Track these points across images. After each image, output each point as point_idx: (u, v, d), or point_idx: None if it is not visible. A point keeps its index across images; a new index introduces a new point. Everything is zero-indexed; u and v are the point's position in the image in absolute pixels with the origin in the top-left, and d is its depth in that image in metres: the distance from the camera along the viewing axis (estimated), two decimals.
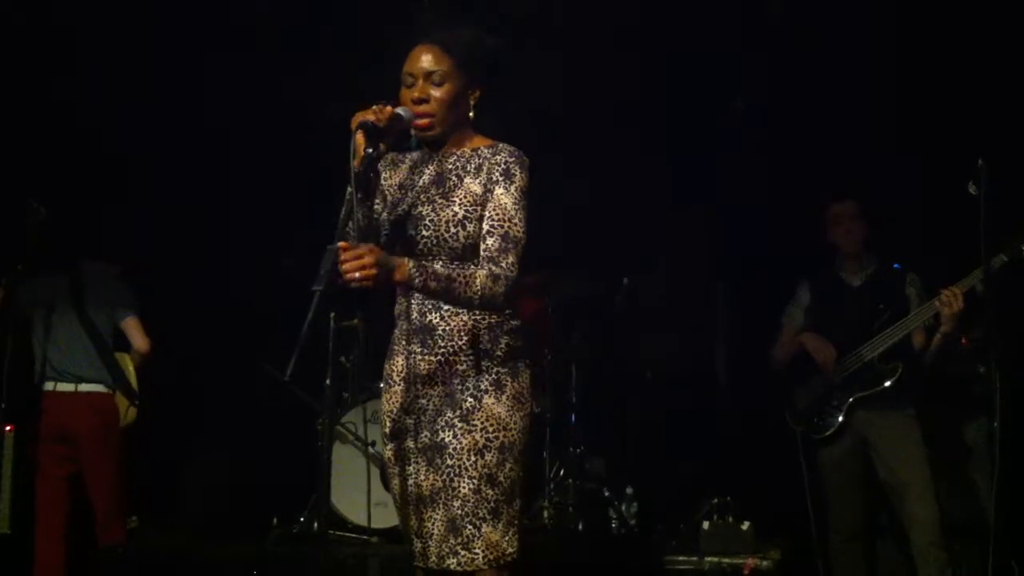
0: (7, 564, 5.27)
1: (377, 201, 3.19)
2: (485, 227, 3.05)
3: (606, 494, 5.88)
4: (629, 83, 6.48)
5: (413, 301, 3.10)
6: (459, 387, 3.06)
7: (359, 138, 2.95)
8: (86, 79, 6.24)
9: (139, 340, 5.37)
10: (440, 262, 3.07)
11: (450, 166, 3.15)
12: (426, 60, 3.09)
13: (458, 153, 3.17)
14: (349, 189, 2.97)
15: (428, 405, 3.09)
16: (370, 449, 5.36)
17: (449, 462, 3.03)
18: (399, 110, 3.05)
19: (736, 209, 6.55)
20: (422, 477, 3.08)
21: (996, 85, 5.69)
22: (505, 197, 3.06)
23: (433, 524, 3.06)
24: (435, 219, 3.07)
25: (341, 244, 2.81)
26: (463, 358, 3.07)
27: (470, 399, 3.05)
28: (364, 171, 2.96)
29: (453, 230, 3.05)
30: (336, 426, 5.49)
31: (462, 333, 3.07)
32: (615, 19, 6.23)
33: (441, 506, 3.05)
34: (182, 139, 6.49)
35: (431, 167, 3.18)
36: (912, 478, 4.66)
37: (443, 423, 3.06)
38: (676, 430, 6.39)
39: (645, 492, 5.93)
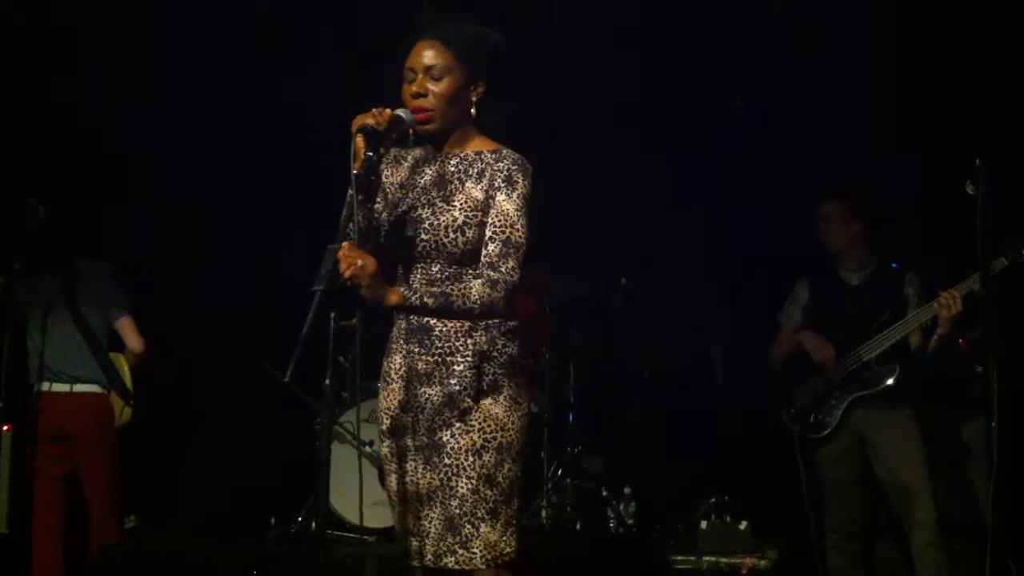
0: (5, 564, 5.27)
1: (379, 200, 3.19)
2: (487, 233, 3.05)
3: (604, 494, 5.88)
4: (629, 83, 6.48)
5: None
6: (457, 387, 3.06)
7: (359, 141, 2.96)
8: (86, 79, 6.24)
9: (133, 340, 5.37)
10: (438, 265, 3.07)
11: (452, 168, 3.14)
12: (426, 55, 3.09)
13: (461, 155, 3.16)
14: (350, 192, 2.97)
15: (426, 404, 3.09)
16: (367, 449, 5.37)
17: (447, 461, 3.04)
18: (399, 112, 3.06)
19: (736, 209, 6.54)
20: (419, 475, 3.08)
21: (996, 85, 5.68)
22: (507, 203, 3.05)
23: (430, 523, 3.07)
24: (434, 223, 3.07)
25: (343, 244, 2.83)
26: (460, 359, 3.07)
27: (468, 399, 3.06)
28: (364, 174, 2.96)
29: (452, 235, 3.05)
30: (335, 426, 5.50)
31: (459, 334, 3.08)
32: (615, 19, 6.24)
33: (438, 505, 3.05)
34: (182, 139, 6.49)
35: (433, 167, 3.18)
36: (910, 478, 4.66)
37: (441, 422, 3.07)
38: (674, 430, 6.39)
39: (643, 492, 5.93)
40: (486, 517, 3.01)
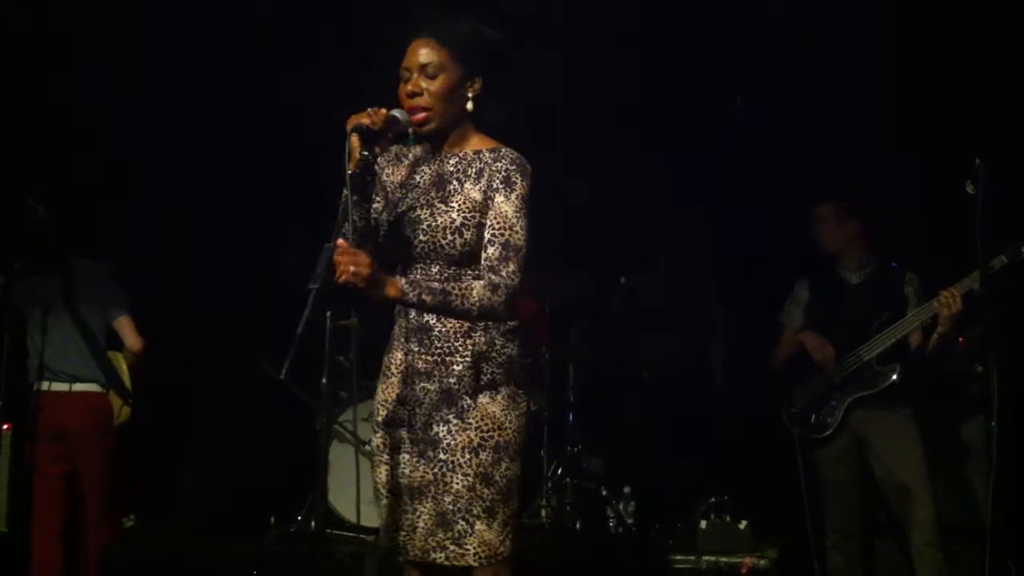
0: (4, 563, 5.27)
1: (377, 198, 3.19)
2: (486, 236, 3.04)
3: (604, 493, 5.89)
4: (629, 83, 6.48)
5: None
6: (455, 385, 3.07)
7: (354, 141, 2.95)
8: (86, 79, 6.24)
9: (132, 339, 5.37)
10: (436, 267, 3.07)
11: (451, 168, 3.14)
12: (421, 54, 3.09)
13: (460, 155, 3.15)
14: (345, 192, 2.97)
15: (424, 398, 3.09)
16: (366, 448, 5.37)
17: (442, 456, 3.04)
18: (395, 112, 3.05)
19: (736, 209, 6.54)
20: (411, 468, 3.08)
21: (996, 85, 5.68)
22: (506, 205, 3.04)
23: (419, 517, 3.07)
24: (432, 224, 3.06)
25: (338, 242, 2.82)
26: (459, 359, 3.07)
27: (466, 397, 3.06)
28: (359, 174, 2.96)
29: (450, 237, 3.05)
30: (334, 425, 5.50)
31: (458, 334, 3.08)
32: (615, 19, 6.23)
33: (430, 499, 3.05)
34: (182, 139, 6.49)
35: (432, 167, 3.17)
36: (909, 478, 4.66)
37: (438, 417, 3.07)
38: (674, 430, 6.39)
39: (643, 491, 5.94)
40: (482, 515, 3.01)
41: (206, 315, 6.53)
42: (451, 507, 3.02)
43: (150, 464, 5.87)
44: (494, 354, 3.10)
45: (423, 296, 2.95)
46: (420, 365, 3.09)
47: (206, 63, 6.37)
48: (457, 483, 3.02)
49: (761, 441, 5.45)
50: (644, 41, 6.35)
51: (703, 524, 5.21)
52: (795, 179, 5.98)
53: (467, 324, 3.07)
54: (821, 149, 6.11)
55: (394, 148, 3.23)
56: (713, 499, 5.34)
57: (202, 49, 6.30)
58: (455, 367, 3.07)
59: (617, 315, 6.36)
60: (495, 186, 3.06)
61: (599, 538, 5.65)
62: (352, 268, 2.80)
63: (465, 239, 3.05)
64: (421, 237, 3.07)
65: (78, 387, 5.27)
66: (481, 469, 3.02)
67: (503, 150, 3.12)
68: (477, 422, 3.04)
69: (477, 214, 3.05)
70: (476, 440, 3.03)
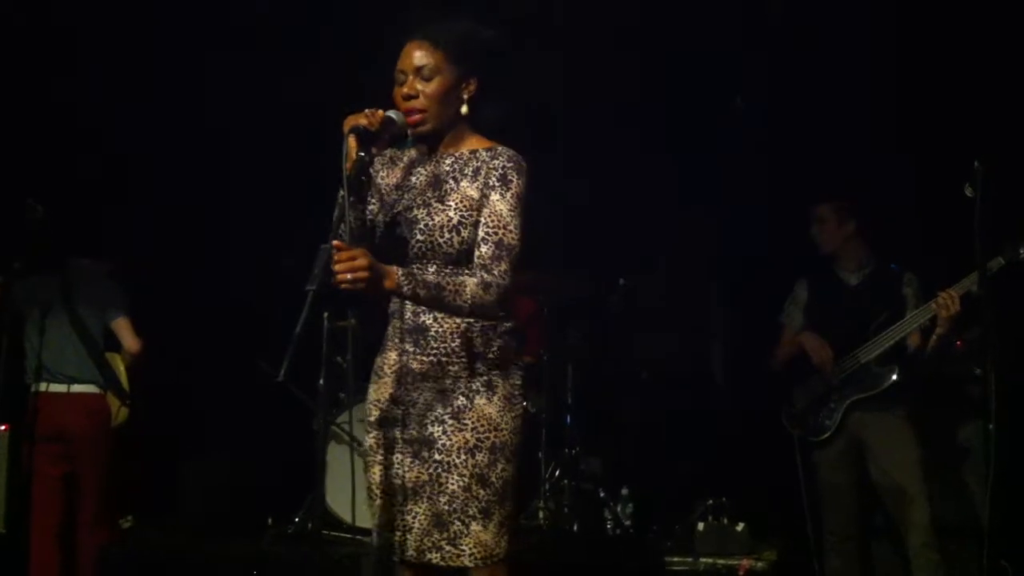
0: (3, 564, 5.27)
1: (373, 200, 3.19)
2: (480, 234, 3.04)
3: (602, 495, 5.88)
4: (629, 83, 6.48)
5: (406, 302, 3.09)
6: (451, 386, 3.06)
7: (351, 142, 2.95)
8: (86, 79, 6.25)
9: (129, 340, 5.37)
10: (434, 266, 3.06)
11: (447, 168, 3.13)
12: (416, 56, 3.07)
13: (455, 154, 3.15)
14: (341, 192, 2.97)
15: (419, 398, 3.09)
16: (361, 448, 5.36)
17: (437, 457, 3.03)
18: (390, 113, 3.04)
19: (736, 209, 6.54)
20: (406, 469, 3.07)
21: (996, 86, 5.67)
22: (501, 204, 3.04)
23: (414, 517, 3.06)
24: (429, 224, 3.06)
25: (335, 243, 2.82)
26: (455, 360, 3.07)
27: (461, 398, 3.05)
28: (356, 175, 2.96)
29: (447, 235, 3.04)
30: (332, 427, 5.50)
31: (455, 335, 3.07)
32: (615, 19, 6.24)
33: (425, 500, 3.04)
34: (182, 139, 6.49)
35: (427, 167, 3.17)
36: (906, 480, 4.66)
37: (433, 418, 3.06)
38: (673, 430, 6.39)
39: (641, 493, 5.93)
40: (478, 516, 3.00)
41: (206, 315, 6.54)
42: (446, 508, 3.01)
43: (149, 464, 5.88)
44: (491, 355, 3.09)
45: (418, 290, 2.94)
46: (415, 366, 3.09)
47: (206, 63, 6.38)
48: (453, 484, 3.01)
49: (760, 442, 5.46)
50: (644, 41, 6.35)
51: (701, 526, 5.22)
52: (795, 179, 5.97)
53: (463, 325, 3.06)
54: (821, 149, 6.11)
55: (388, 151, 3.22)
56: (711, 501, 5.34)
57: (202, 49, 6.31)
58: (451, 367, 3.07)
59: (616, 315, 6.36)
60: (491, 184, 3.05)
61: (597, 539, 5.64)
62: (350, 275, 2.77)
63: (463, 237, 3.04)
64: (418, 237, 3.06)
65: (76, 388, 5.27)
66: (477, 470, 3.01)
67: (500, 148, 3.11)
68: (473, 423, 3.04)
69: (474, 212, 3.05)
70: (472, 441, 3.03)
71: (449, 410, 3.05)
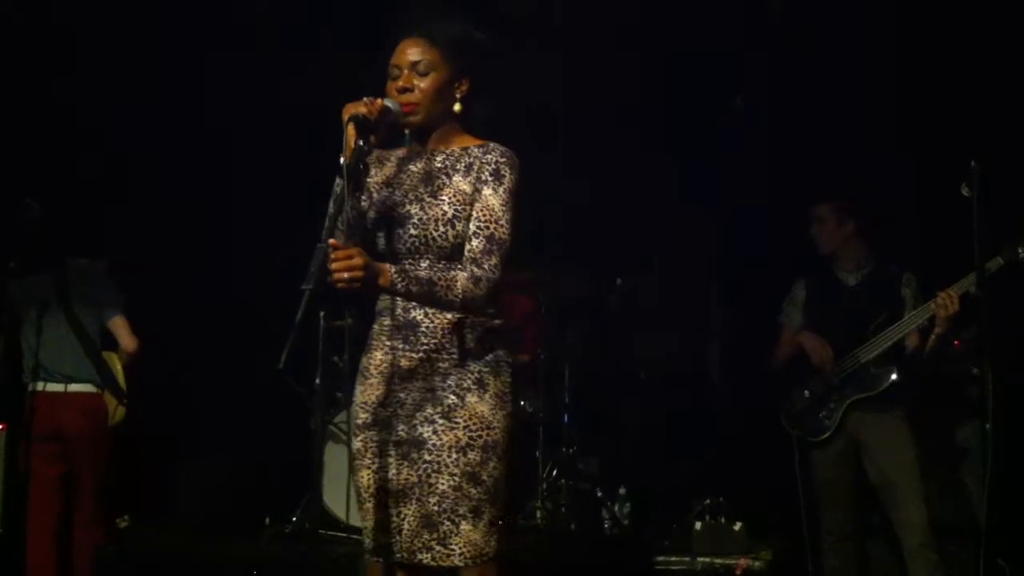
0: (0, 564, 5.29)
1: (363, 198, 3.19)
2: (471, 228, 3.05)
3: (599, 494, 5.87)
4: (629, 83, 6.48)
5: (397, 298, 3.09)
6: (440, 384, 3.06)
7: (350, 130, 2.96)
8: (86, 79, 6.26)
9: (126, 339, 5.37)
10: (426, 261, 3.06)
11: (439, 164, 3.14)
12: (412, 52, 3.09)
13: (447, 151, 3.16)
14: (339, 182, 2.99)
15: (407, 399, 3.07)
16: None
17: (427, 457, 3.02)
18: (387, 102, 3.05)
19: (736, 209, 6.53)
20: (394, 471, 3.06)
21: (996, 86, 5.67)
22: (493, 198, 3.05)
23: (403, 519, 3.04)
24: (423, 218, 3.06)
25: (331, 242, 2.82)
26: (445, 356, 3.06)
27: (452, 396, 3.04)
28: (354, 164, 2.96)
29: (442, 229, 3.05)
30: (329, 426, 5.50)
31: (446, 331, 3.07)
32: (615, 19, 6.24)
33: (414, 502, 3.03)
34: (182, 139, 6.50)
35: (419, 164, 3.17)
36: (902, 480, 4.65)
37: (422, 418, 3.05)
38: (670, 430, 6.39)
39: (638, 492, 5.93)
40: (468, 515, 3.00)
41: (205, 315, 6.54)
42: (436, 508, 3.00)
43: (147, 464, 5.88)
44: (482, 352, 3.10)
45: (411, 286, 2.95)
46: (404, 363, 3.07)
47: (206, 63, 6.39)
48: (442, 484, 3.00)
49: (757, 442, 5.45)
50: (644, 41, 6.36)
51: (698, 525, 5.20)
52: (795, 179, 5.97)
53: (455, 321, 3.07)
54: (821, 149, 6.10)
55: (376, 151, 3.24)
56: (708, 500, 5.32)
57: (202, 49, 6.32)
58: (441, 364, 3.06)
59: (615, 315, 6.36)
60: (484, 178, 3.07)
61: (594, 539, 5.63)
62: (347, 275, 2.79)
63: (457, 231, 3.05)
64: (411, 231, 3.06)
65: (73, 388, 5.28)
66: (469, 468, 3.01)
67: (491, 145, 3.13)
68: (465, 421, 3.03)
69: (467, 207, 3.06)
70: (464, 440, 3.02)
71: (439, 409, 3.04)
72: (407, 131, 3.16)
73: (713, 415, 6.54)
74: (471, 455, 3.02)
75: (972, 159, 3.98)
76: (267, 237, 6.49)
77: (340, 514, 5.45)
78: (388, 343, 3.11)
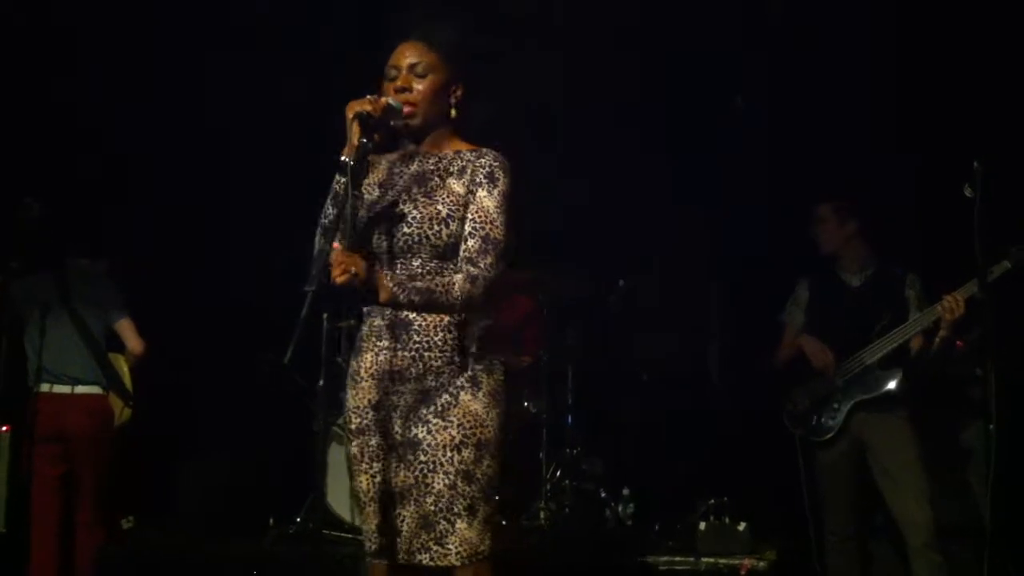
0: (3, 563, 5.28)
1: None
2: (467, 228, 3.08)
3: (603, 495, 5.87)
4: (629, 83, 6.48)
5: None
6: (433, 384, 3.06)
7: (355, 128, 2.97)
8: (86, 79, 6.26)
9: (134, 342, 5.38)
10: (419, 260, 3.08)
11: (431, 167, 3.17)
12: (410, 54, 3.14)
13: (439, 154, 3.19)
14: (339, 179, 3.02)
15: (400, 401, 3.08)
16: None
17: (423, 458, 3.03)
18: (390, 101, 3.08)
19: (736, 209, 6.53)
20: (391, 474, 3.06)
21: (997, 85, 5.67)
22: (488, 200, 3.09)
23: (402, 521, 3.05)
24: (418, 216, 3.07)
25: (333, 245, 2.83)
26: (438, 354, 3.07)
27: (446, 395, 3.05)
28: (357, 161, 2.96)
29: (437, 228, 3.06)
30: (332, 427, 5.49)
31: (438, 329, 3.08)
32: (615, 19, 6.25)
33: (412, 503, 3.04)
34: (182, 139, 6.50)
35: (411, 166, 3.20)
36: (907, 480, 4.64)
37: (416, 419, 3.06)
38: (673, 430, 6.39)
39: (642, 492, 5.93)
40: (463, 513, 3.01)
41: (205, 315, 6.53)
42: (432, 507, 3.01)
43: (149, 465, 5.88)
44: (474, 349, 3.11)
45: (412, 296, 3.01)
46: (396, 363, 3.07)
47: (206, 63, 6.38)
48: (438, 483, 3.01)
49: (760, 442, 5.45)
50: (644, 41, 6.36)
51: (702, 525, 5.20)
52: (795, 179, 5.97)
53: (447, 319, 3.08)
54: (821, 149, 6.10)
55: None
56: (712, 500, 5.32)
57: (202, 49, 6.32)
58: (434, 363, 3.07)
59: (615, 315, 6.36)
60: (478, 180, 3.11)
61: (598, 539, 5.63)
62: (352, 268, 2.85)
63: (451, 230, 3.07)
64: (405, 230, 3.07)
65: (80, 390, 5.28)
66: (463, 466, 3.02)
67: (484, 149, 3.18)
68: (459, 419, 3.04)
69: (461, 208, 3.09)
70: (458, 438, 3.03)
71: (433, 409, 3.05)
72: (401, 133, 3.18)
73: (714, 415, 6.54)
74: (465, 453, 3.03)
75: (974, 159, 3.97)
76: (267, 237, 6.48)
77: (344, 515, 5.44)
78: (379, 344, 3.11)
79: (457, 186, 3.11)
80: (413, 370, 3.07)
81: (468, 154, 3.16)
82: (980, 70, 5.68)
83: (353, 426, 3.14)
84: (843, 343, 4.78)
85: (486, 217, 3.08)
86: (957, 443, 5.41)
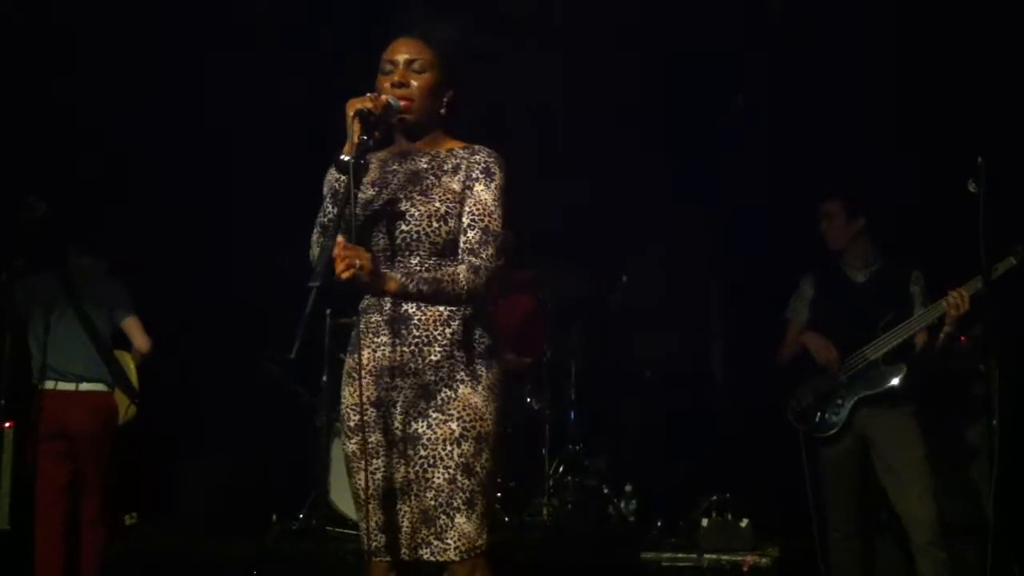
0: (7, 561, 5.27)
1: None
2: (465, 221, 3.09)
3: (605, 491, 5.88)
4: (629, 83, 6.49)
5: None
6: (433, 378, 3.06)
7: (356, 125, 2.97)
8: (86, 79, 6.26)
9: (140, 340, 5.40)
10: (416, 258, 3.07)
11: (424, 165, 3.17)
12: (408, 50, 3.14)
13: (432, 153, 3.19)
14: (337, 176, 3.02)
15: (398, 397, 3.07)
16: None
17: (423, 453, 3.02)
18: (390, 99, 3.08)
19: (736, 209, 6.54)
20: (391, 470, 3.05)
21: (998, 83, 5.68)
22: (485, 194, 3.10)
23: (403, 517, 3.05)
24: (416, 214, 3.07)
25: (339, 241, 2.82)
26: (437, 348, 3.06)
27: (445, 389, 3.05)
28: (358, 159, 2.96)
29: (436, 225, 3.06)
30: (335, 423, 5.49)
31: (437, 323, 3.07)
32: (615, 19, 6.25)
33: (412, 498, 3.03)
34: (182, 139, 6.50)
35: (403, 166, 3.19)
36: (911, 477, 4.64)
37: (416, 414, 3.05)
38: (675, 428, 6.39)
39: (644, 489, 5.93)
40: (462, 507, 3.01)
41: (206, 315, 6.53)
42: (432, 502, 3.01)
43: (150, 464, 5.87)
44: (473, 343, 3.11)
45: (420, 287, 3.00)
46: (395, 358, 3.06)
47: (206, 63, 6.38)
48: (438, 477, 3.01)
49: (762, 440, 5.45)
50: (644, 41, 6.37)
51: (704, 522, 5.19)
52: (795, 179, 5.98)
53: (446, 313, 3.08)
54: (821, 149, 6.10)
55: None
56: (715, 497, 5.30)
57: (202, 49, 6.31)
58: (432, 357, 3.06)
59: (617, 313, 6.36)
60: (475, 176, 3.12)
61: (600, 536, 5.63)
62: (357, 262, 2.84)
63: (450, 227, 3.08)
64: (403, 227, 3.07)
65: (84, 387, 5.28)
66: (463, 459, 3.01)
67: (477, 147, 3.19)
68: (459, 412, 3.04)
69: (458, 205, 3.10)
70: (458, 431, 3.02)
71: (433, 403, 3.05)
72: (395, 129, 3.18)
73: (715, 415, 6.54)
74: (464, 446, 3.02)
75: (978, 156, 3.98)
76: (267, 237, 6.48)
77: (347, 511, 5.43)
78: (376, 340, 3.10)
79: (453, 183, 3.12)
80: (413, 365, 3.06)
81: (461, 151, 3.17)
82: (980, 68, 5.69)
83: (352, 423, 3.13)
84: (847, 339, 4.78)
85: (484, 210, 3.09)
86: (961, 440, 5.40)
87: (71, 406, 5.23)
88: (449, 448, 3.01)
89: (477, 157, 3.14)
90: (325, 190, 3.15)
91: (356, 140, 2.95)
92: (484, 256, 3.07)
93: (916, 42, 5.83)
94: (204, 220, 6.67)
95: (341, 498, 5.37)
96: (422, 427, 3.04)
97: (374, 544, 3.08)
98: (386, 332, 3.08)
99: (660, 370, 6.60)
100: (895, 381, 4.68)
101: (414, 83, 3.11)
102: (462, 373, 3.07)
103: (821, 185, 5.18)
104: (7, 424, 5.20)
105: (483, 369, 3.10)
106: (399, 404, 3.06)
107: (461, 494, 3.01)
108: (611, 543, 5.39)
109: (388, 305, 3.08)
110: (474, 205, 3.09)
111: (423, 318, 3.07)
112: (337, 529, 5.43)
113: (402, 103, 3.10)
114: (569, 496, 5.80)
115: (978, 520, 4.99)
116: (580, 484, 5.84)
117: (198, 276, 6.61)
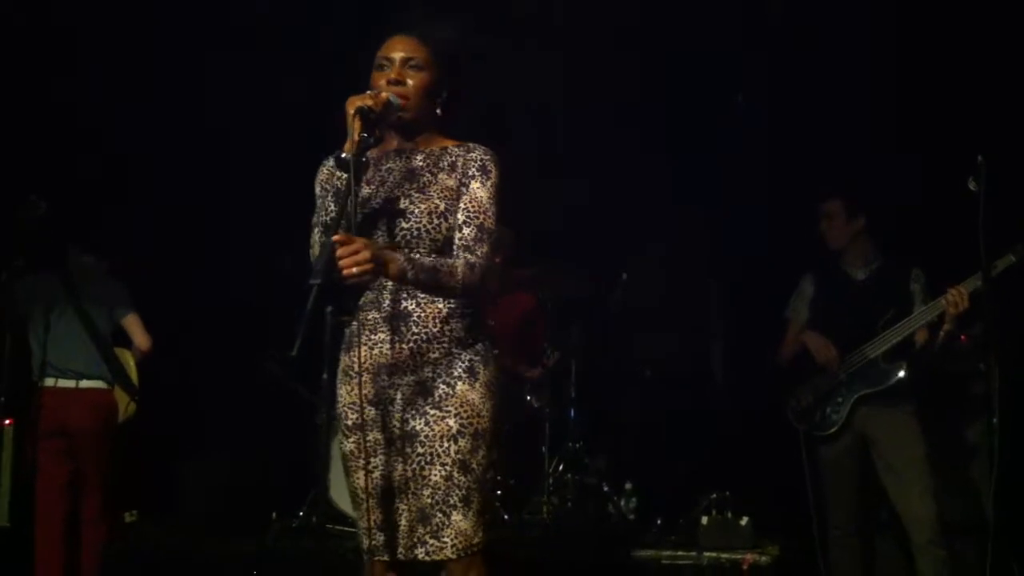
0: (7, 558, 5.28)
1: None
2: (461, 218, 3.09)
3: (605, 489, 5.86)
4: (629, 83, 6.49)
5: (386, 290, 3.09)
6: (430, 375, 3.06)
7: (356, 123, 2.96)
8: (86, 79, 6.26)
9: (141, 337, 5.42)
10: (416, 254, 3.06)
11: (419, 163, 3.17)
12: (405, 47, 3.14)
13: (426, 151, 3.20)
14: (337, 173, 3.03)
15: (396, 395, 3.07)
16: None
17: (420, 450, 3.02)
18: (390, 96, 3.07)
19: (736, 209, 6.54)
20: (390, 468, 3.05)
21: (999, 82, 5.68)
22: (481, 191, 3.11)
23: (400, 515, 3.05)
24: (416, 211, 3.07)
25: (337, 237, 2.81)
26: (435, 345, 3.07)
27: (443, 386, 3.05)
28: (358, 157, 2.96)
29: (436, 222, 3.07)
30: (334, 421, 5.49)
31: (436, 320, 3.07)
32: (615, 19, 6.25)
33: (409, 496, 3.03)
34: (182, 139, 6.50)
35: (398, 164, 3.19)
36: (911, 476, 4.64)
37: (414, 411, 3.05)
38: (675, 427, 6.39)
39: (644, 487, 5.92)
40: (458, 504, 3.01)
41: (206, 314, 6.53)
42: (429, 500, 3.01)
43: (150, 463, 5.88)
44: (470, 340, 3.11)
45: (420, 274, 2.98)
46: (392, 356, 3.06)
47: (206, 63, 6.38)
48: (435, 475, 3.01)
49: (762, 438, 5.45)
50: (644, 41, 6.37)
51: (704, 520, 5.18)
52: (795, 179, 5.98)
53: (446, 311, 3.08)
54: (821, 149, 6.11)
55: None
56: (715, 495, 5.29)
57: (202, 49, 6.32)
58: (431, 354, 3.06)
59: (618, 312, 6.36)
60: (471, 173, 3.13)
61: (600, 534, 5.62)
62: (356, 269, 2.79)
63: (449, 224, 3.09)
64: (403, 225, 3.07)
65: (84, 384, 5.30)
66: (459, 456, 3.01)
67: (472, 144, 3.20)
68: (457, 409, 3.04)
69: (455, 202, 3.11)
70: (455, 427, 3.03)
71: (431, 400, 3.05)
72: (392, 127, 3.18)
73: (715, 415, 6.54)
74: (462, 443, 3.03)
75: (978, 155, 3.98)
76: (267, 237, 6.48)
77: (347, 509, 5.43)
78: (373, 337, 3.09)
79: (449, 181, 3.12)
80: (410, 363, 3.06)
81: (456, 149, 3.18)
82: (980, 67, 5.70)
83: (349, 422, 3.14)
84: (847, 337, 4.78)
85: (479, 207, 3.10)
86: (961, 439, 5.41)
87: (71, 403, 5.24)
88: (446, 444, 3.01)
89: (473, 155, 3.15)
90: (317, 189, 3.17)
91: (357, 137, 2.94)
92: (479, 253, 3.07)
93: (916, 42, 5.84)
94: (204, 220, 6.67)
95: (341, 496, 5.35)
96: (420, 424, 3.04)
97: (373, 543, 3.08)
98: (384, 329, 3.07)
99: (660, 370, 6.60)
100: (895, 379, 4.69)
101: (410, 81, 3.11)
102: (460, 370, 3.07)
103: (821, 185, 5.18)
104: (7, 421, 5.20)
105: (481, 366, 3.11)
106: (397, 402, 3.06)
107: (457, 491, 3.00)
108: (611, 541, 5.38)
109: (387, 302, 3.08)
110: (470, 202, 3.10)
111: (423, 315, 3.07)
112: (337, 527, 5.42)
113: (401, 100, 3.09)
114: (569, 494, 5.79)
115: (978, 519, 4.99)
116: (580, 482, 5.83)
117: (198, 276, 6.61)
